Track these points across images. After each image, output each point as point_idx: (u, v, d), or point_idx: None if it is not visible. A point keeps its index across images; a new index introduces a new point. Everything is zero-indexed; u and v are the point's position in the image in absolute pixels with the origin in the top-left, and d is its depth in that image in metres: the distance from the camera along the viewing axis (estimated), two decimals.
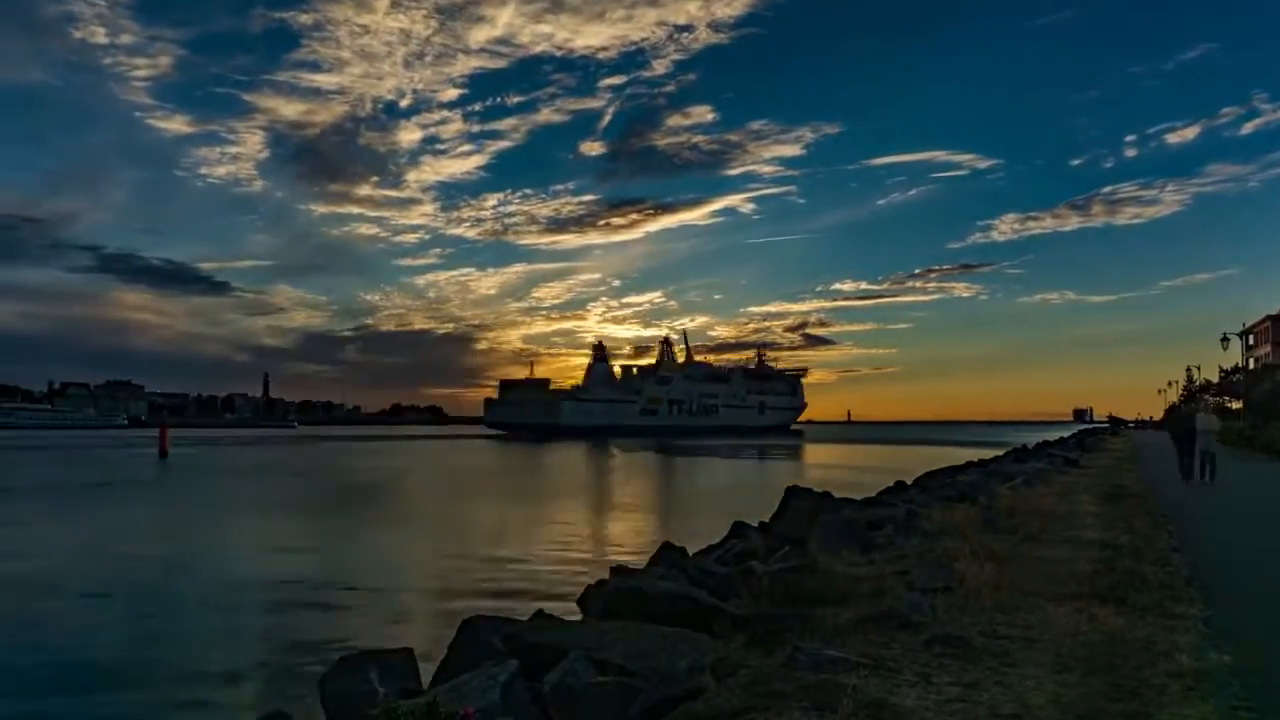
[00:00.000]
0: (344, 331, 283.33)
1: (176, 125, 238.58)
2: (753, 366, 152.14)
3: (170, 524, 26.99)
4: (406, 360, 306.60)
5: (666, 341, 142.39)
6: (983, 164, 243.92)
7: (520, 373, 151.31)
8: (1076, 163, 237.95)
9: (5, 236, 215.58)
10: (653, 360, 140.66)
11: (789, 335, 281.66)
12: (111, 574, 17.81)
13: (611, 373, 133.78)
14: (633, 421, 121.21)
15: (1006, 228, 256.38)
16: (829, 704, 4.34)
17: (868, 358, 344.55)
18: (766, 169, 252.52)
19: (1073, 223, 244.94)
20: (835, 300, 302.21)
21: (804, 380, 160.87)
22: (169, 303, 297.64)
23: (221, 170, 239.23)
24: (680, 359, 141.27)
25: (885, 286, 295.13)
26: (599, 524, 27.35)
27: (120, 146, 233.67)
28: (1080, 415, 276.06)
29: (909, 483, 24.04)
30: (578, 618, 8.92)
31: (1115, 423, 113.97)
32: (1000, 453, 42.32)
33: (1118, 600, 7.07)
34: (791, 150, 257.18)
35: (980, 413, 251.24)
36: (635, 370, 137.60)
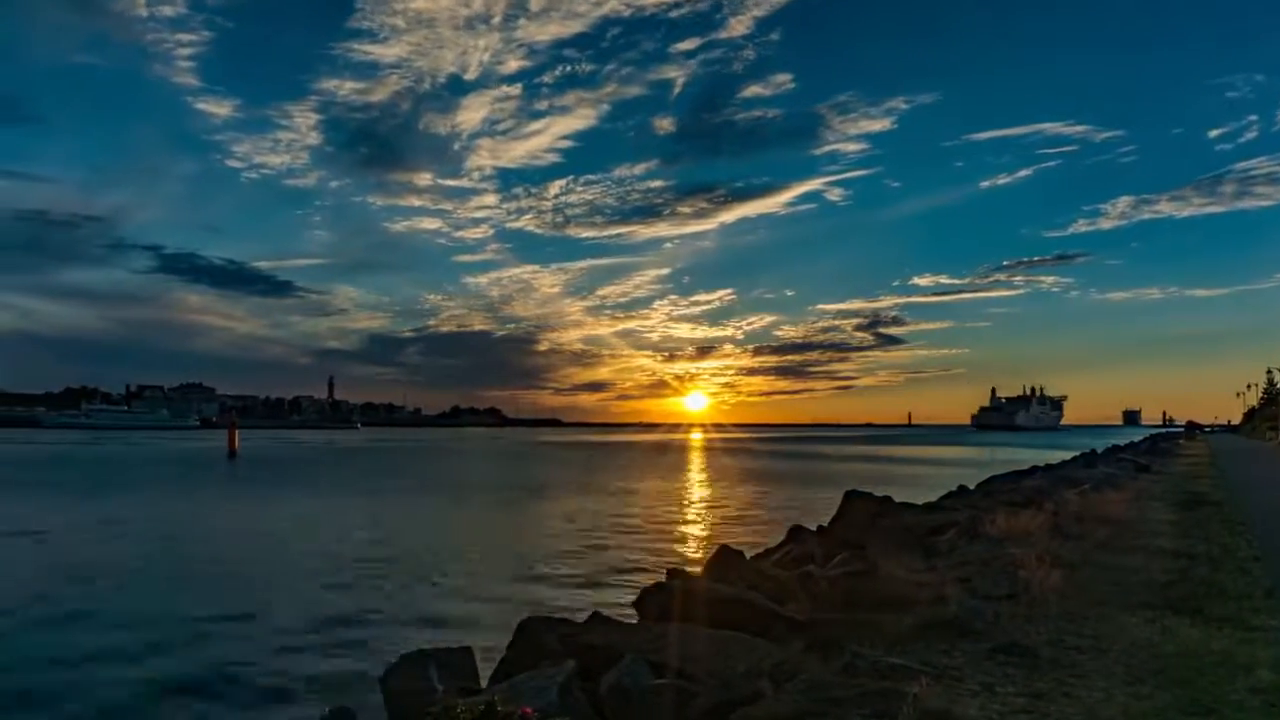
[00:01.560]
0: (405, 333, 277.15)
1: (226, 110, 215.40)
2: (1040, 395, 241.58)
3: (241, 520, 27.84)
4: (467, 362, 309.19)
5: (1032, 390, 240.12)
6: (1099, 136, 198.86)
7: (585, 375, 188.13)
8: (1215, 134, 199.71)
9: (68, 235, 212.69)
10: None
11: (860, 335, 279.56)
12: (182, 563, 18.45)
13: (1004, 400, 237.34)
14: (1024, 423, 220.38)
15: (1116, 213, 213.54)
16: (889, 712, 4.28)
17: (937, 358, 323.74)
18: (851, 147, 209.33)
19: (1193, 206, 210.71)
20: (911, 296, 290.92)
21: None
22: (231, 304, 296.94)
23: (275, 160, 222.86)
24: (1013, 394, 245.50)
25: (967, 281, 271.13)
26: None
27: (169, 135, 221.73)
28: (1130, 417, 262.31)
29: (971, 487, 23.54)
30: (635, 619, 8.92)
31: (1191, 427, 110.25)
32: (1067, 456, 41.29)
33: (1193, 611, 6.83)
34: (881, 124, 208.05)
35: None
36: (1005, 399, 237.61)
